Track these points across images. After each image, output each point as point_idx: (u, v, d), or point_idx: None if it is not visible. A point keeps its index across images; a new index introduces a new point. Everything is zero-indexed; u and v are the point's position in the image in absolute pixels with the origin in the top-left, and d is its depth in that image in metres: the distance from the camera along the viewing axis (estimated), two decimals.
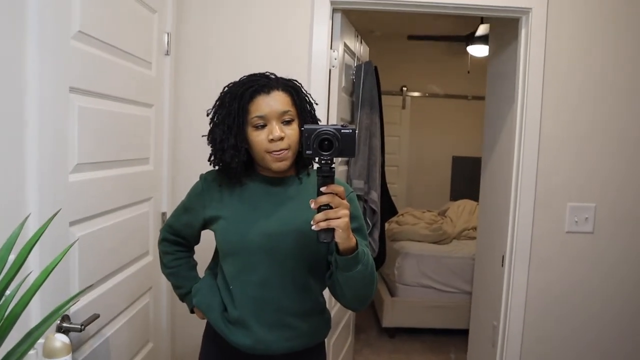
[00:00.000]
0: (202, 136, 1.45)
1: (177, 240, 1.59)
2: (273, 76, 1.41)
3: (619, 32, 2.37)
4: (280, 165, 1.36)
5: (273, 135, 1.33)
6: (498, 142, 2.82)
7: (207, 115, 1.44)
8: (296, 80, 1.44)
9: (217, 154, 1.39)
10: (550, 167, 2.40)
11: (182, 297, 1.61)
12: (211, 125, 1.42)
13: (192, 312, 1.60)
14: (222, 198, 1.44)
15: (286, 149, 1.35)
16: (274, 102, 1.35)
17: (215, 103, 1.42)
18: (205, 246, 1.62)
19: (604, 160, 2.42)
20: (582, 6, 2.35)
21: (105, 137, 1.59)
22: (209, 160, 1.43)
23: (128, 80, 1.75)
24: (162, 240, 1.61)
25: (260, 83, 1.37)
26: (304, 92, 1.44)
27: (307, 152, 1.14)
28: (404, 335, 4.03)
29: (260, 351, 1.39)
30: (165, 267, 1.61)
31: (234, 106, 1.36)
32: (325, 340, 1.55)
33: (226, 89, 1.42)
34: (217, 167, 1.43)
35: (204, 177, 1.50)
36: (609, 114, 2.40)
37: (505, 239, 2.50)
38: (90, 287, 1.51)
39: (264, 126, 1.35)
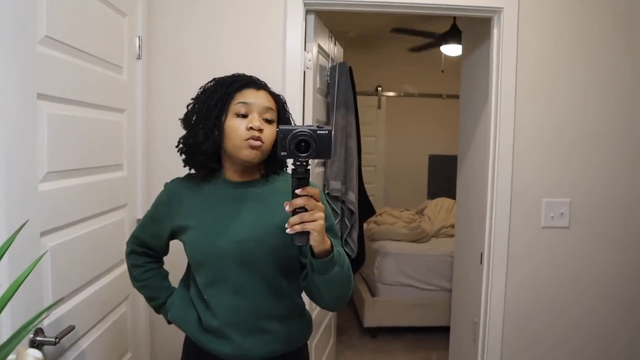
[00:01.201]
0: (179, 119, 1.42)
1: (145, 251, 1.55)
2: (263, 82, 1.43)
3: (587, 29, 2.40)
4: (251, 153, 1.32)
5: (253, 124, 1.31)
6: (473, 140, 2.84)
7: (187, 107, 1.42)
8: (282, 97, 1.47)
9: (190, 136, 1.36)
10: (525, 163, 2.43)
11: (158, 309, 1.57)
12: (189, 109, 1.40)
13: (169, 323, 1.56)
14: (188, 207, 1.41)
15: (262, 143, 1.33)
16: (261, 97, 1.36)
17: (201, 88, 1.41)
18: (175, 258, 1.59)
19: (578, 156, 2.45)
20: (552, 5, 2.38)
21: (76, 144, 1.55)
22: (176, 146, 1.40)
23: (98, 85, 1.71)
24: (130, 253, 1.56)
25: (251, 79, 1.39)
26: (287, 108, 1.46)
27: (282, 153, 1.11)
28: (386, 334, 4.04)
29: (240, 358, 1.37)
30: (135, 280, 1.56)
31: (218, 92, 1.35)
32: (307, 343, 1.54)
33: (213, 80, 1.41)
34: (183, 156, 1.40)
35: (168, 186, 1.47)
36: (581, 110, 2.44)
37: (483, 236, 2.52)
38: (64, 298, 1.47)
39: (245, 116, 1.33)
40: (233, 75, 1.41)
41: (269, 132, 1.34)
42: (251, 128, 1.31)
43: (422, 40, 4.65)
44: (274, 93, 1.42)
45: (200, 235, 1.37)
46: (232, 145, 1.34)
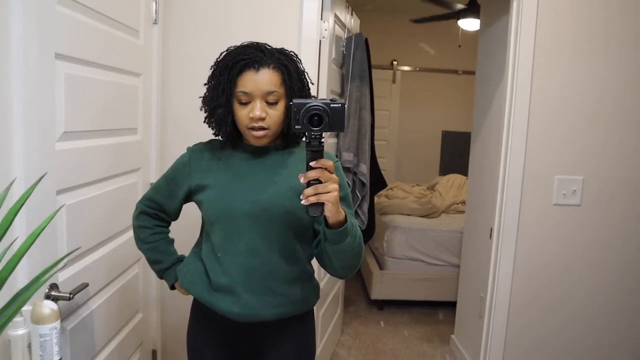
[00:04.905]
0: (199, 97, 1.43)
1: (156, 214, 1.56)
2: (268, 48, 1.38)
3: (609, 2, 2.36)
4: (258, 142, 1.38)
5: (253, 114, 1.33)
6: (488, 116, 2.82)
7: (205, 85, 1.43)
8: (294, 55, 1.41)
9: (211, 121, 1.40)
10: (539, 140, 2.41)
11: (161, 274, 1.59)
12: (206, 89, 1.41)
13: (172, 288, 1.59)
14: (208, 168, 1.43)
15: (265, 129, 1.34)
16: (261, 81, 1.32)
17: (211, 68, 1.41)
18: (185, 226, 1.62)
19: (593, 134, 2.43)
20: None
21: (92, 105, 1.56)
22: (204, 121, 1.43)
23: (116, 48, 1.72)
24: (140, 214, 1.57)
25: (251, 57, 1.33)
26: (300, 69, 1.41)
27: (297, 127, 1.12)
28: (392, 307, 4.08)
29: (248, 318, 1.40)
30: (142, 242, 1.58)
31: (223, 76, 1.35)
32: (315, 311, 1.56)
33: (221, 56, 1.40)
34: (213, 130, 1.43)
35: (190, 149, 1.50)
36: (599, 88, 2.40)
37: (494, 212, 2.52)
38: (78, 256, 1.51)
39: (247, 103, 1.34)
40: (236, 52, 1.37)
41: (275, 114, 1.34)
42: (252, 118, 1.33)
43: (435, 11, 4.55)
44: (280, 61, 1.35)
45: (217, 194, 1.40)
46: (241, 130, 1.39)
